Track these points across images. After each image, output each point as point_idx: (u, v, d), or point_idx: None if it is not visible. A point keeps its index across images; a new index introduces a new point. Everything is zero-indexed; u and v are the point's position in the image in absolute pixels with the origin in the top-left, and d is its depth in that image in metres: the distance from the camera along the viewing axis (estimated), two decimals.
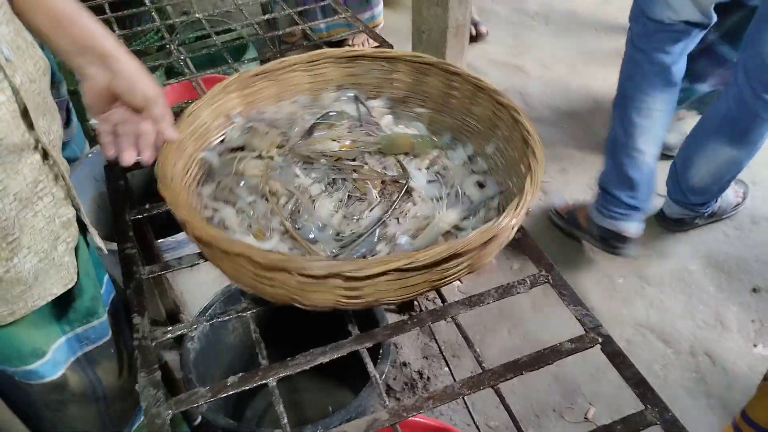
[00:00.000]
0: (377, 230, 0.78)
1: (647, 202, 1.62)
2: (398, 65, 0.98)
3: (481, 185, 0.87)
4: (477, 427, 1.26)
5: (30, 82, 0.55)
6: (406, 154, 0.89)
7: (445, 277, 0.70)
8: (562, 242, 1.82)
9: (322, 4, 1.47)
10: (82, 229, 0.70)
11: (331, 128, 0.92)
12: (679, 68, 1.49)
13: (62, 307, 0.66)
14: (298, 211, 0.81)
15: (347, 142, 0.90)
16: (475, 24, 2.73)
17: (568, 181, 2.03)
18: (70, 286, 0.62)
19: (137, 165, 0.99)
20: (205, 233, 0.65)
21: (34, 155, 0.55)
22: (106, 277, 0.71)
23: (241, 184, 0.84)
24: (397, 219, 0.80)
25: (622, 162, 1.59)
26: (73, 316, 0.67)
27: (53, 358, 0.64)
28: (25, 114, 0.54)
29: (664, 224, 1.86)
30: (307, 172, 0.86)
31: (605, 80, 2.46)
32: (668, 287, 1.69)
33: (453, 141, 0.95)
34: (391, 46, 1.20)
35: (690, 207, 1.77)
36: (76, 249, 0.66)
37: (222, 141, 0.92)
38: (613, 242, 1.64)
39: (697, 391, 1.42)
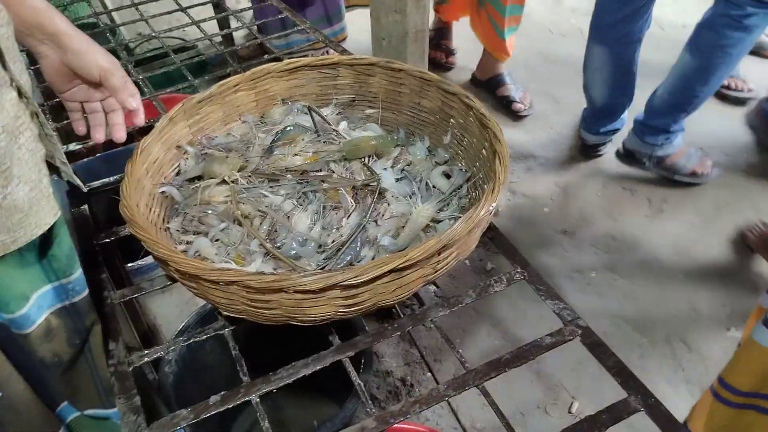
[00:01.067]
0: (359, 236, 0.77)
1: None
2: (340, 70, 0.98)
3: (447, 175, 0.89)
4: (464, 430, 1.26)
5: (1, 26, 0.57)
6: (370, 156, 0.90)
7: (438, 270, 0.70)
8: (532, 241, 1.84)
9: (280, 17, 1.47)
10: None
11: (291, 143, 0.92)
12: None
13: (44, 255, 0.67)
14: (275, 230, 0.80)
15: (309, 154, 0.90)
16: (448, 52, 2.67)
17: (535, 181, 2.06)
18: (58, 216, 0.64)
19: (98, 189, 0.98)
20: (191, 268, 0.64)
21: (12, 92, 0.57)
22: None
23: (210, 213, 0.82)
24: (375, 221, 0.80)
25: None
26: (55, 265, 0.68)
27: (37, 303, 0.66)
28: None
29: (619, 158, 2.06)
30: (274, 190, 0.85)
31: (563, 79, 2.51)
32: (639, 278, 1.72)
33: (409, 136, 0.97)
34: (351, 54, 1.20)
35: (643, 139, 1.94)
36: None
37: (178, 173, 0.90)
38: None
39: (676, 378, 1.45)
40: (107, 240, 0.88)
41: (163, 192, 0.86)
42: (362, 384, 0.72)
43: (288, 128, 0.92)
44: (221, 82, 0.94)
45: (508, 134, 2.21)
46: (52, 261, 0.68)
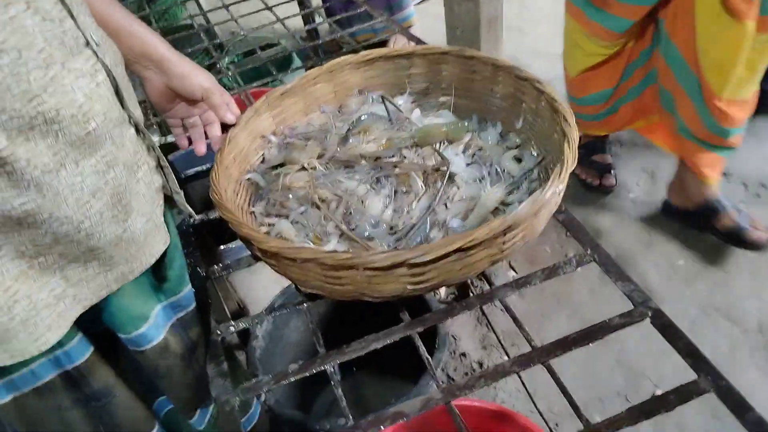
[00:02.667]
0: (428, 218, 0.81)
1: None
2: (414, 60, 1.01)
3: (518, 160, 0.90)
4: (540, 414, 1.26)
5: (116, 65, 0.61)
6: (441, 142, 0.92)
7: (504, 251, 0.72)
8: (615, 227, 1.80)
9: (356, 11, 1.51)
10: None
11: (366, 131, 0.96)
12: None
13: (157, 277, 0.73)
14: (350, 213, 0.84)
15: (383, 142, 0.94)
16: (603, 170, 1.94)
17: (619, 166, 2.00)
18: (168, 244, 0.69)
19: (194, 177, 1.06)
20: (271, 246, 0.69)
21: (130, 129, 0.62)
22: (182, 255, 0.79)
23: (291, 197, 0.88)
24: (445, 204, 0.83)
25: None
26: (167, 286, 0.74)
27: (155, 323, 0.71)
28: (117, 92, 0.60)
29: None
30: (350, 175, 0.89)
31: None
32: (731, 265, 1.64)
33: (481, 122, 0.98)
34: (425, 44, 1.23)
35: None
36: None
37: (262, 161, 0.97)
38: None
39: None
40: (198, 223, 0.96)
41: (248, 179, 0.92)
42: (430, 358, 0.76)
43: (363, 117, 0.97)
44: (302, 75, 1.00)
45: None
46: (164, 282, 0.73)
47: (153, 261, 0.67)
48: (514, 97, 0.93)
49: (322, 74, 1.01)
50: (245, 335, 1.28)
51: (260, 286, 1.44)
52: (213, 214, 0.96)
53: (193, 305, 0.78)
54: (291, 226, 0.85)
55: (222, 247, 1.25)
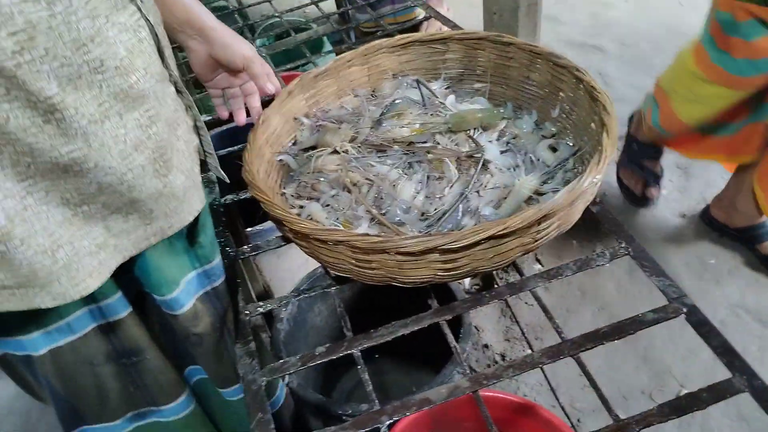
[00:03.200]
0: (460, 205, 0.80)
1: None
2: (450, 45, 1.00)
3: (553, 149, 0.89)
4: (562, 408, 1.25)
5: (158, 24, 0.62)
6: (475, 129, 0.91)
7: (537, 240, 0.71)
8: (647, 223, 1.77)
9: None
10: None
11: (400, 116, 0.95)
12: None
13: (191, 242, 0.74)
14: (381, 198, 0.83)
15: (416, 126, 0.93)
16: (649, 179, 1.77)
17: None
18: (204, 203, 0.71)
19: (225, 157, 1.06)
20: (303, 227, 0.69)
21: (170, 87, 0.64)
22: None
23: (322, 180, 0.88)
24: (478, 192, 0.82)
25: None
26: (200, 252, 0.75)
27: (186, 289, 0.73)
28: (159, 49, 0.61)
29: None
30: (382, 160, 0.88)
31: None
32: (764, 268, 1.60)
33: (517, 110, 0.97)
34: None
35: None
36: None
37: (294, 143, 0.96)
38: None
39: None
40: (228, 202, 0.96)
41: (280, 160, 0.92)
42: (458, 347, 0.75)
43: (397, 101, 0.96)
44: (336, 58, 0.99)
45: (628, 112, 2.12)
46: (198, 248, 0.75)
47: (191, 219, 0.68)
48: (552, 85, 0.92)
49: (357, 57, 1.00)
50: (269, 318, 1.28)
51: (286, 269, 1.45)
52: (244, 194, 0.96)
53: (223, 278, 0.79)
54: (321, 208, 0.85)
55: (249, 229, 1.25)
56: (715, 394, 0.64)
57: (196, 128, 0.72)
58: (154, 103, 0.59)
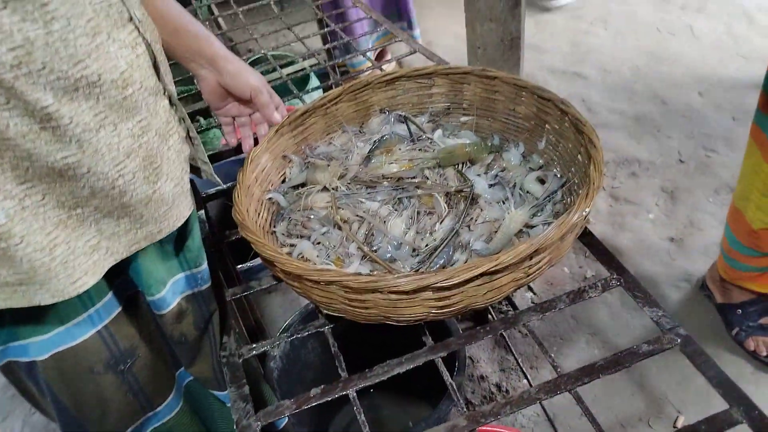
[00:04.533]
0: (451, 240, 0.80)
1: None
2: (436, 80, 1.01)
3: (541, 181, 0.89)
4: None
5: (155, 42, 0.65)
6: (463, 163, 0.92)
7: (530, 275, 0.72)
8: (635, 248, 1.78)
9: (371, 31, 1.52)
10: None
11: (388, 152, 0.95)
12: None
13: (179, 245, 0.76)
14: (372, 234, 0.84)
15: (405, 162, 0.93)
16: None
17: (639, 186, 1.98)
18: (192, 209, 0.73)
19: (214, 196, 1.06)
20: (294, 268, 0.69)
21: (164, 100, 0.67)
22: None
23: (312, 218, 0.88)
24: (468, 227, 0.82)
25: None
26: (188, 255, 0.77)
27: (171, 289, 0.74)
28: (155, 66, 0.65)
29: None
30: (371, 196, 0.89)
31: (671, 80, 2.40)
32: None
33: (504, 143, 0.98)
34: (447, 63, 1.23)
35: None
36: None
37: (283, 181, 0.97)
38: None
39: None
40: (219, 242, 0.96)
41: (270, 198, 0.92)
42: (454, 384, 0.74)
43: (385, 137, 0.96)
44: (324, 95, 1.00)
45: (612, 137, 2.15)
46: (186, 252, 0.77)
47: (179, 224, 0.70)
48: (537, 117, 0.93)
49: (345, 93, 1.00)
50: (261, 356, 1.27)
51: (277, 304, 1.44)
52: (235, 235, 0.95)
53: (209, 285, 0.81)
54: (313, 246, 0.85)
55: (240, 266, 1.25)
56: (713, 425, 0.64)
57: (189, 138, 0.75)
58: (146, 114, 0.62)
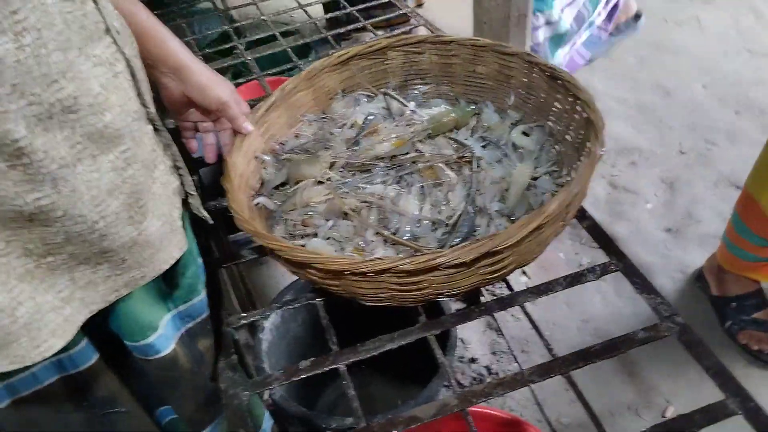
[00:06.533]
0: (469, 207, 0.78)
1: None
2: (390, 53, 0.99)
3: (526, 134, 0.90)
4: (549, 423, 1.23)
5: (134, 57, 0.58)
6: (450, 130, 0.91)
7: (564, 223, 0.73)
8: (631, 237, 1.77)
9: None
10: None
11: (373, 132, 0.91)
12: None
13: (168, 284, 0.69)
14: (385, 218, 0.80)
15: (394, 139, 0.89)
16: None
17: (639, 175, 1.97)
18: (184, 250, 0.66)
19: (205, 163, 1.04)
20: (339, 265, 0.64)
21: (148, 125, 0.59)
22: (199, 260, 0.74)
23: (312, 214, 0.82)
24: (478, 190, 0.81)
25: None
26: (177, 294, 0.70)
27: (164, 333, 0.67)
28: (135, 85, 0.58)
29: None
30: (369, 179, 0.85)
31: (675, 71, 2.37)
32: None
33: (471, 105, 0.97)
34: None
35: None
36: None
37: (262, 184, 0.89)
38: None
39: None
40: (212, 210, 0.93)
41: (257, 204, 0.85)
42: (446, 362, 0.73)
43: (369, 118, 0.93)
44: (281, 86, 0.94)
45: (614, 126, 2.13)
46: (175, 290, 0.70)
47: (166, 267, 0.64)
48: (500, 74, 0.93)
49: (301, 82, 0.95)
50: (251, 327, 1.25)
51: (269, 275, 1.42)
52: (225, 202, 0.93)
53: (205, 314, 0.74)
54: (325, 243, 0.79)
55: (232, 236, 1.23)
56: (707, 416, 0.63)
57: (176, 168, 0.68)
58: (131, 144, 0.56)
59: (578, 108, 0.79)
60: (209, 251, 0.86)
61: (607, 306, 1.58)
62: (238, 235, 1.24)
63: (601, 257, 0.82)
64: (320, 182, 0.85)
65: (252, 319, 0.78)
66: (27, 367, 0.59)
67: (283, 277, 1.63)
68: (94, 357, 0.65)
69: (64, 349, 0.60)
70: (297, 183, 0.86)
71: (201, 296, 0.73)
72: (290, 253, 0.66)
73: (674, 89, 2.30)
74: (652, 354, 1.43)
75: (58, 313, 0.55)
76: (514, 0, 1.17)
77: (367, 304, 0.73)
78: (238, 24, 1.49)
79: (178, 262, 0.67)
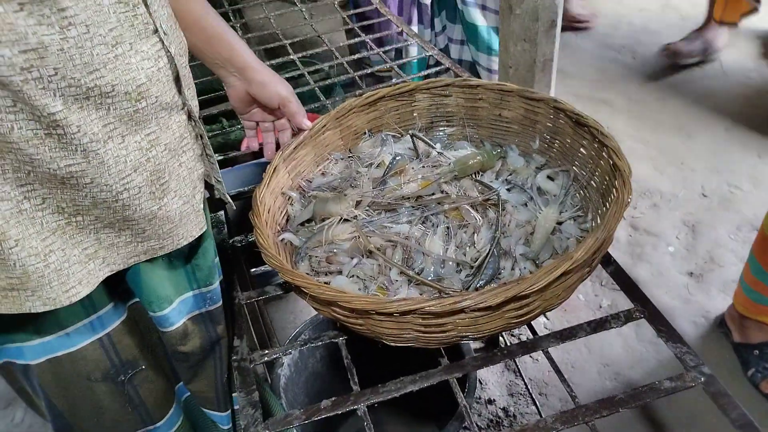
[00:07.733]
0: (494, 249, 0.78)
1: None
2: (417, 95, 1.02)
3: (551, 178, 0.90)
4: None
5: (179, 56, 0.64)
6: (476, 173, 0.92)
7: (591, 270, 0.73)
8: (653, 281, 1.75)
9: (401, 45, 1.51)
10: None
11: (400, 173, 0.92)
12: None
13: (191, 264, 0.74)
14: (410, 257, 0.80)
15: (420, 180, 0.90)
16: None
17: (660, 217, 1.95)
18: (203, 230, 0.71)
19: (233, 198, 1.05)
20: (364, 304, 0.64)
21: (181, 115, 0.65)
22: (216, 259, 0.79)
23: (337, 251, 0.83)
24: (503, 233, 0.81)
25: None
26: (199, 275, 0.75)
27: (177, 308, 0.73)
28: (176, 80, 0.63)
29: None
30: (395, 219, 0.85)
31: (699, 114, 2.38)
32: None
33: (496, 148, 0.98)
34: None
35: None
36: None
37: (287, 220, 0.91)
38: None
39: None
40: (237, 245, 0.95)
41: (282, 239, 0.86)
42: (468, 406, 0.73)
43: (397, 158, 0.94)
44: (309, 125, 0.94)
45: (635, 167, 2.12)
46: (197, 270, 0.75)
47: (185, 243, 0.68)
48: (526, 118, 0.94)
49: (330, 121, 0.97)
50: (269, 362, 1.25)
51: (288, 310, 1.43)
52: (251, 237, 0.94)
53: (220, 304, 0.79)
54: (349, 281, 0.80)
55: (254, 269, 1.24)
56: None
57: (207, 156, 0.74)
58: (155, 128, 0.61)
59: (604, 154, 0.80)
60: (232, 285, 0.88)
61: (628, 350, 1.55)
62: (259, 269, 1.26)
63: (621, 299, 0.82)
64: (346, 220, 0.86)
65: (274, 356, 0.78)
66: (62, 327, 0.65)
67: (302, 312, 1.63)
68: (121, 317, 0.71)
69: (95, 309, 0.67)
70: (323, 220, 0.87)
71: (217, 284, 0.77)
72: (317, 291, 0.67)
73: (696, 131, 2.29)
74: (671, 399, 1.40)
75: (83, 266, 0.61)
76: (540, 46, 1.19)
77: (391, 344, 0.73)
78: (269, 63, 1.52)
79: (198, 243, 0.73)
